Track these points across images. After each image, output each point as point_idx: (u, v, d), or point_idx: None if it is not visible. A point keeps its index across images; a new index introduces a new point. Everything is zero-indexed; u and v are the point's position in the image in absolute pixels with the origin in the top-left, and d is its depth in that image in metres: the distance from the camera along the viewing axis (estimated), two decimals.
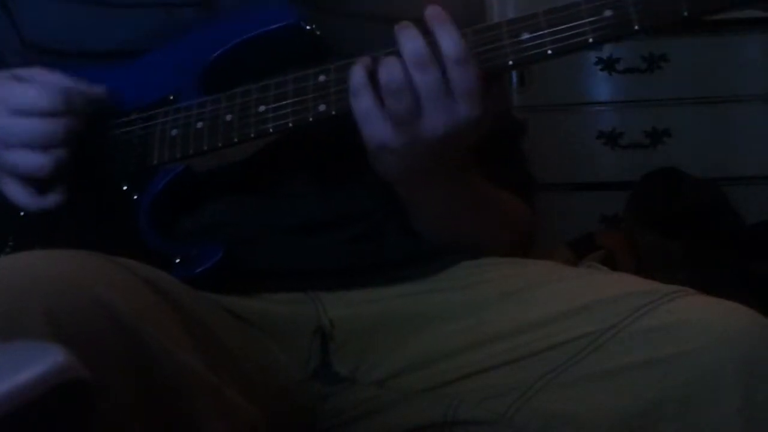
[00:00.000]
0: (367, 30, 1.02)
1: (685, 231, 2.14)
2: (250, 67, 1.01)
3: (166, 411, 0.71)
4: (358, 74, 0.90)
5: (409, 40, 0.88)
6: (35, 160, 0.95)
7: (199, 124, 0.98)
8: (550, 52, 0.89)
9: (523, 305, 0.97)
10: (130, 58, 1.04)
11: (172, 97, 1.01)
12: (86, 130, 0.98)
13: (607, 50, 2.43)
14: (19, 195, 0.97)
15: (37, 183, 0.97)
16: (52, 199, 0.98)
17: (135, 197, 1.00)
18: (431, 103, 0.88)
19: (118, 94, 1.02)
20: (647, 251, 2.15)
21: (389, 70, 0.88)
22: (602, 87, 2.50)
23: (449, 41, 0.88)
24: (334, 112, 0.93)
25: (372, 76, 0.90)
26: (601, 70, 2.46)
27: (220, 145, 0.97)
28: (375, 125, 0.90)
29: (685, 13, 0.86)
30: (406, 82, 0.88)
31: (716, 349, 0.85)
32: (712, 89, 2.44)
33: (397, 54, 0.89)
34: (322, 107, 0.94)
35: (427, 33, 0.89)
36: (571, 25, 0.89)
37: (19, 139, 0.95)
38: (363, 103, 0.90)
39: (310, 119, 0.94)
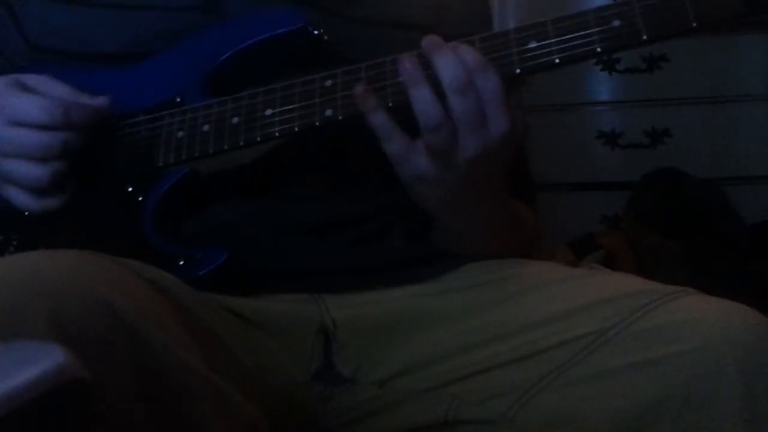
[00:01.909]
0: (374, 34, 1.03)
1: (685, 231, 2.14)
2: (256, 70, 1.01)
3: (167, 411, 0.71)
4: (381, 118, 0.89)
5: (448, 67, 0.87)
6: (32, 172, 0.96)
7: (206, 127, 0.98)
8: (557, 60, 0.89)
9: (523, 306, 0.97)
10: (137, 60, 1.04)
11: (178, 99, 1.02)
12: (89, 137, 0.98)
13: None
14: (20, 199, 0.98)
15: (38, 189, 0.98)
16: (53, 202, 0.98)
17: (140, 198, 1.00)
18: (467, 126, 0.87)
19: (123, 96, 1.03)
20: (647, 251, 2.15)
21: (426, 108, 0.87)
22: (602, 87, 2.50)
23: (468, 53, 0.87)
24: (340, 117, 0.93)
25: (392, 111, 0.89)
26: (601, 70, 2.46)
27: (226, 147, 0.98)
28: (410, 162, 0.90)
29: (694, 24, 0.86)
30: (445, 116, 0.87)
31: (716, 349, 0.85)
32: (712, 89, 2.44)
33: (426, 83, 0.88)
34: (328, 112, 0.94)
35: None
36: (579, 34, 0.88)
37: (16, 149, 0.95)
38: (394, 146, 0.90)
39: (317, 123, 0.94)
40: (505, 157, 0.93)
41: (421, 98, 0.88)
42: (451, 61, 0.87)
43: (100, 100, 1.00)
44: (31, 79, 0.98)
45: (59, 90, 0.98)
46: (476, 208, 0.97)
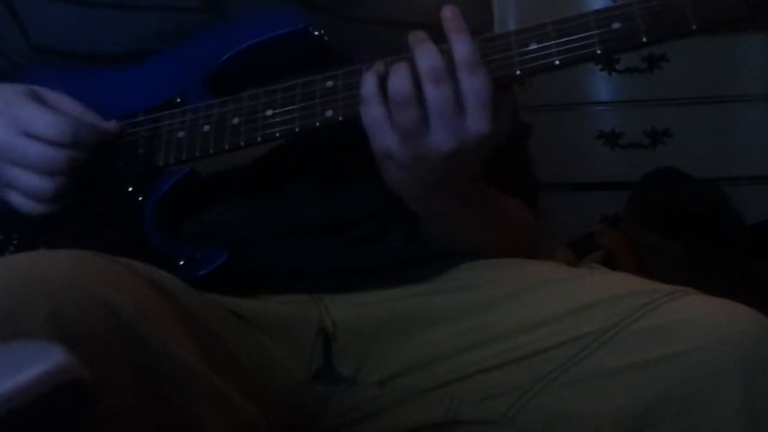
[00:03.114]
0: (374, 34, 1.03)
1: (685, 231, 2.14)
2: (257, 71, 1.01)
3: (166, 411, 0.71)
4: (369, 84, 0.90)
5: (426, 57, 0.88)
6: (36, 184, 0.96)
7: (206, 127, 0.99)
8: (557, 62, 0.89)
9: (523, 305, 0.97)
10: (137, 60, 1.04)
11: (179, 99, 1.02)
12: (94, 153, 0.98)
13: None
14: (22, 204, 0.98)
15: None
16: (54, 207, 0.98)
17: (140, 198, 1.00)
18: (439, 118, 0.88)
19: (124, 96, 1.03)
20: (647, 251, 2.15)
21: (398, 82, 0.88)
22: (602, 87, 2.50)
23: (463, 47, 0.88)
24: (341, 118, 0.93)
25: (383, 84, 0.90)
26: (601, 70, 2.46)
27: (226, 148, 0.98)
28: (382, 134, 0.90)
29: (694, 27, 0.86)
30: (414, 95, 0.88)
31: (716, 349, 0.85)
32: (712, 89, 2.44)
33: (408, 63, 0.89)
34: (329, 113, 0.94)
35: (438, 40, 0.89)
36: (579, 36, 0.88)
37: (23, 159, 0.95)
38: (372, 113, 0.90)
39: (317, 124, 0.94)
40: (481, 156, 0.93)
41: (397, 73, 0.88)
42: (430, 51, 0.88)
43: (110, 125, 1.01)
44: (46, 92, 0.99)
45: (72, 107, 0.98)
46: (450, 200, 0.97)
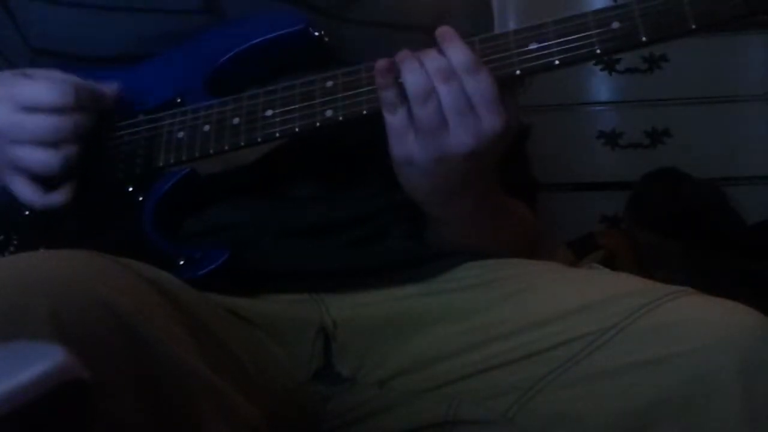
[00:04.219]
0: (374, 35, 1.03)
1: (685, 231, 2.14)
2: (257, 71, 1.02)
3: (167, 412, 0.71)
4: (390, 91, 0.91)
5: (433, 59, 0.90)
6: (44, 157, 0.95)
7: (206, 127, 0.99)
8: (557, 62, 0.89)
9: (523, 305, 0.97)
10: (137, 62, 1.04)
11: (179, 100, 1.02)
12: (94, 130, 0.98)
13: None
14: (26, 191, 0.97)
15: (44, 180, 0.97)
16: (57, 198, 0.98)
17: (140, 199, 1.00)
18: (456, 115, 0.89)
19: (125, 95, 1.03)
20: (647, 251, 2.15)
21: (413, 77, 0.90)
22: (602, 87, 2.50)
23: (457, 55, 0.89)
24: (341, 118, 0.94)
25: (400, 86, 0.91)
26: (601, 70, 2.46)
27: (226, 148, 0.98)
28: (404, 138, 0.91)
29: (693, 26, 0.86)
30: (431, 89, 0.89)
31: (716, 349, 0.85)
32: (712, 89, 2.43)
33: (418, 61, 0.90)
34: (329, 113, 0.94)
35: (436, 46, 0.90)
36: (578, 36, 0.89)
37: (29, 135, 0.94)
38: (394, 115, 0.91)
39: (317, 124, 0.95)
40: (496, 156, 0.94)
41: (410, 69, 0.90)
42: (434, 55, 0.90)
43: (108, 86, 1.00)
44: (36, 70, 0.98)
45: (65, 75, 0.98)
46: (464, 205, 0.98)
